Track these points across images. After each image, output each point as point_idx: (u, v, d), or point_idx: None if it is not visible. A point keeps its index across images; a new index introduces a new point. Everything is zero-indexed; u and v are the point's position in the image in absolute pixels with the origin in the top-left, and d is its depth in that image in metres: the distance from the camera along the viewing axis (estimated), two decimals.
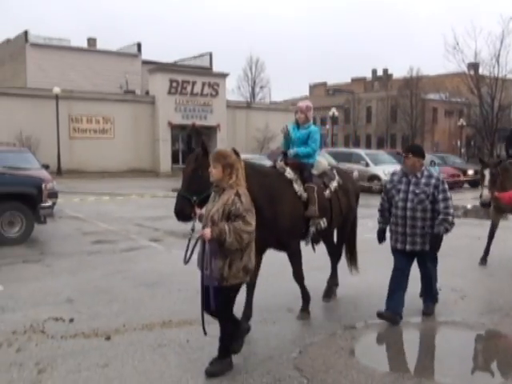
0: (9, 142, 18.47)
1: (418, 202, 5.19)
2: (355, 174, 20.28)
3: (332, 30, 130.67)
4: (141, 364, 4.33)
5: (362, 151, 24.94)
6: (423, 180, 5.25)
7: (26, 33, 35.21)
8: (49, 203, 10.16)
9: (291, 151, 5.76)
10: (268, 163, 24.84)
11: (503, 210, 8.40)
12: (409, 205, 5.21)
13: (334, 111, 39.74)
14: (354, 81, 77.18)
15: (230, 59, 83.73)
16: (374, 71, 77.78)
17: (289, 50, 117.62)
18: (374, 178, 20.96)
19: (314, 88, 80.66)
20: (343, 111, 63.34)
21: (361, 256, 6.73)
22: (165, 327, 5.19)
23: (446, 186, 5.28)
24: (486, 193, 7.61)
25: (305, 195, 5.48)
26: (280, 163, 5.63)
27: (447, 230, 5.19)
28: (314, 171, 5.82)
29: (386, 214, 5.56)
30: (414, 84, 55.69)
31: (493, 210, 8.42)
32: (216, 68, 40.67)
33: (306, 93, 79.74)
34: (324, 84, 79.57)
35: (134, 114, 32.64)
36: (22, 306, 5.84)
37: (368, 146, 59.98)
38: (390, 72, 74.51)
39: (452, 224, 5.16)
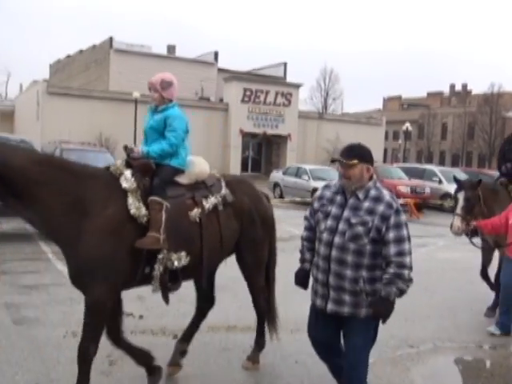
0: (90, 142, 19.42)
1: (352, 237, 3.21)
2: (427, 190, 19.81)
3: (409, 42, 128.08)
4: (206, 366, 4.43)
5: (435, 168, 24.17)
6: (366, 204, 3.22)
7: (110, 39, 36.96)
8: None
9: (138, 149, 3.94)
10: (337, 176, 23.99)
11: (497, 244, 6.15)
12: (337, 240, 3.25)
13: (407, 126, 38.85)
14: (430, 95, 75.13)
15: (303, 70, 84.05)
16: (452, 86, 75.39)
17: (364, 61, 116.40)
18: (447, 196, 20.29)
19: (388, 101, 79.25)
20: (417, 126, 61.75)
21: (433, 275, 6.54)
22: (230, 331, 5.27)
23: (403, 219, 3.22)
24: (456, 223, 5.93)
25: (144, 214, 3.61)
26: (117, 163, 3.84)
27: (402, 293, 3.18)
28: (182, 179, 4.00)
29: (311, 247, 3.55)
30: (494, 101, 53.50)
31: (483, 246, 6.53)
32: (290, 78, 40.92)
33: (380, 106, 78.54)
34: (399, 97, 77.98)
35: (207, 120, 33.38)
36: None
37: (442, 163, 58.11)
38: (469, 87, 71.98)
39: (409, 281, 3.18)
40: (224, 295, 6.59)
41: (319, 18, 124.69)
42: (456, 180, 6.34)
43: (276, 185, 21.60)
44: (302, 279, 3.57)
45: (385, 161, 45.14)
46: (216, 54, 40.27)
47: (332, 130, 36.21)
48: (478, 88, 77.42)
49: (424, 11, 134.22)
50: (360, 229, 3.19)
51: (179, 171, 3.99)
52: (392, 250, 3.14)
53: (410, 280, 3.18)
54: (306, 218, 3.61)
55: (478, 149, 56.18)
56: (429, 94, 75.76)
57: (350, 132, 36.96)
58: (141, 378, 4.13)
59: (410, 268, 3.16)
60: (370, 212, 3.20)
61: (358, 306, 3.27)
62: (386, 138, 48.39)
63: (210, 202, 3.97)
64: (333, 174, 21.01)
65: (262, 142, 36.64)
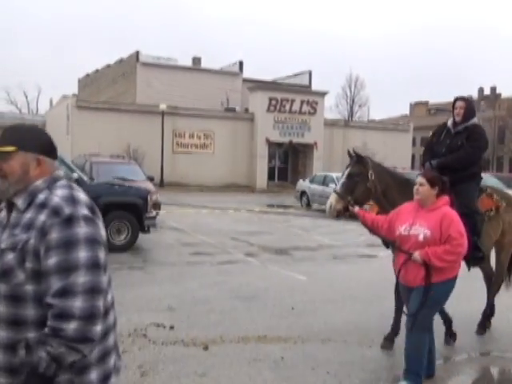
0: (119, 155, 19.72)
1: (2, 273, 1.86)
2: None
3: (436, 47, 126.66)
4: (237, 377, 4.40)
5: None
6: (28, 215, 1.88)
7: (137, 53, 37.58)
8: (153, 214, 10.70)
9: None
10: None
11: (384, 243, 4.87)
12: None
13: None
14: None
15: (329, 77, 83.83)
16: (481, 90, 74.22)
17: (390, 67, 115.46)
18: None
19: (414, 107, 78.42)
20: None
21: (467, 283, 6.38)
22: (260, 342, 5.23)
23: (83, 233, 1.82)
24: (330, 200, 4.84)
25: None
26: None
27: (61, 361, 1.75)
28: None
29: None
30: None
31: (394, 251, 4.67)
32: (315, 86, 40.87)
33: (407, 111, 77.77)
34: (425, 103, 77.09)
35: (233, 130, 33.58)
36: (127, 311, 6.16)
37: None
38: (498, 91, 70.71)
39: (80, 342, 1.75)
40: (254, 305, 6.59)
41: (343, 25, 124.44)
42: (349, 153, 5.24)
43: (303, 193, 21.55)
44: None
45: (413, 167, 44.53)
46: (241, 65, 40.52)
47: (359, 138, 35.94)
48: (507, 91, 75.83)
49: (450, 14, 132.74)
50: (10, 257, 1.85)
51: None
52: (53, 285, 1.78)
53: (85, 340, 1.77)
54: None
55: (508, 153, 55.08)
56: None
57: (377, 139, 36.67)
58: None
59: (89, 318, 1.77)
60: (28, 227, 1.86)
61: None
62: (414, 144, 47.78)
63: None
64: None
65: (288, 151, 36.63)
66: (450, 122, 5.48)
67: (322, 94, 36.31)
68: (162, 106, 29.65)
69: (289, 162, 37.31)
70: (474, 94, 74.48)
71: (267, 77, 44.52)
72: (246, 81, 39.24)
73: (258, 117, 33.94)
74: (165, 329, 5.50)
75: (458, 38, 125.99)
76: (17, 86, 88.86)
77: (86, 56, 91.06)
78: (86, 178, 10.24)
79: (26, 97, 64.72)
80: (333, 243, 12.29)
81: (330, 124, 37.12)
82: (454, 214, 4.10)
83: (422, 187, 4.17)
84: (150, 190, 11.60)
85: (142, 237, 10.59)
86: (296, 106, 34.50)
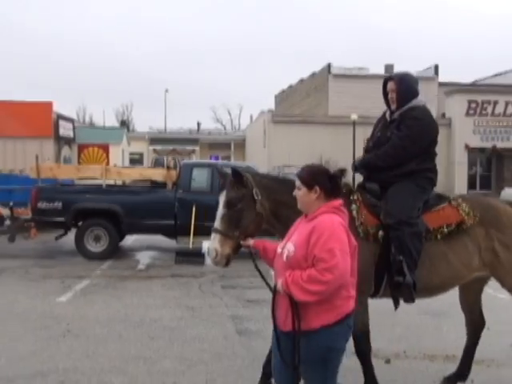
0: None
1: None
2: None
3: None
4: None
5: None
6: None
7: (329, 65, 38.34)
8: None
9: None
10: None
11: None
12: None
13: None
14: None
15: None
16: None
17: None
18: None
19: None
20: None
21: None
22: (448, 361, 4.90)
23: None
24: (213, 244, 3.41)
25: None
26: None
27: None
28: None
29: None
30: None
31: None
32: None
33: None
34: None
35: None
36: None
37: None
38: None
39: None
40: (443, 322, 6.21)
41: None
42: (219, 173, 3.79)
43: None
44: None
45: None
46: (436, 68, 38.62)
47: None
48: None
49: None
50: None
51: None
52: None
53: None
54: None
55: None
56: None
57: None
58: None
59: None
60: None
61: None
62: None
63: None
64: None
65: (492, 157, 33.67)
66: (388, 111, 4.30)
67: None
68: (353, 117, 29.71)
69: (492, 169, 34.25)
70: None
71: (465, 79, 41.67)
72: (441, 85, 37.25)
73: (455, 122, 31.97)
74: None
75: None
76: (222, 105, 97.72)
77: (281, 72, 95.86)
78: None
79: (230, 114, 70.73)
80: None
81: None
82: (328, 226, 2.79)
83: (298, 191, 3.03)
84: None
85: None
86: (500, 108, 31.63)
